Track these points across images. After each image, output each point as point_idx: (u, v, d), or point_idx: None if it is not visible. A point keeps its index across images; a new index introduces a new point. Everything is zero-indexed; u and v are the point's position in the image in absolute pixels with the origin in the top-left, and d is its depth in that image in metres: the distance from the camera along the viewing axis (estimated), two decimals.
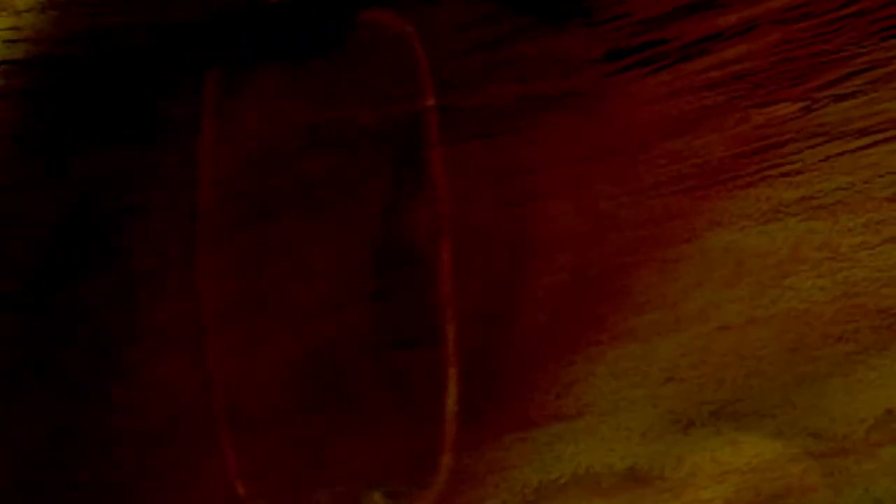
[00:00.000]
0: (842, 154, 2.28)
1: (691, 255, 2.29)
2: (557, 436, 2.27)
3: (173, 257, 2.35)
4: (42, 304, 2.35)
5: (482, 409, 2.26)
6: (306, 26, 2.41)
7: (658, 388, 2.23)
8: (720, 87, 2.34)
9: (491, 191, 2.37)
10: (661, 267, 2.29)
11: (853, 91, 2.29)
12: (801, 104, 2.31)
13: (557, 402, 2.28)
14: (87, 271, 2.37)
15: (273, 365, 2.30)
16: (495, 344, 2.29)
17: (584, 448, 2.25)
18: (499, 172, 2.38)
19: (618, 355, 2.27)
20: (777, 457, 2.14)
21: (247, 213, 2.36)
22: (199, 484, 2.29)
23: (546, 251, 2.32)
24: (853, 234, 2.25)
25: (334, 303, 2.32)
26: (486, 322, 2.30)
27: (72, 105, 2.39)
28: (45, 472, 2.30)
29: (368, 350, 2.29)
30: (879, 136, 2.27)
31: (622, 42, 2.39)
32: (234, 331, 2.32)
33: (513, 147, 2.39)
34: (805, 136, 2.29)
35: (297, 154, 2.38)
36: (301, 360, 2.30)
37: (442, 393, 2.23)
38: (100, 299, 2.36)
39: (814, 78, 2.31)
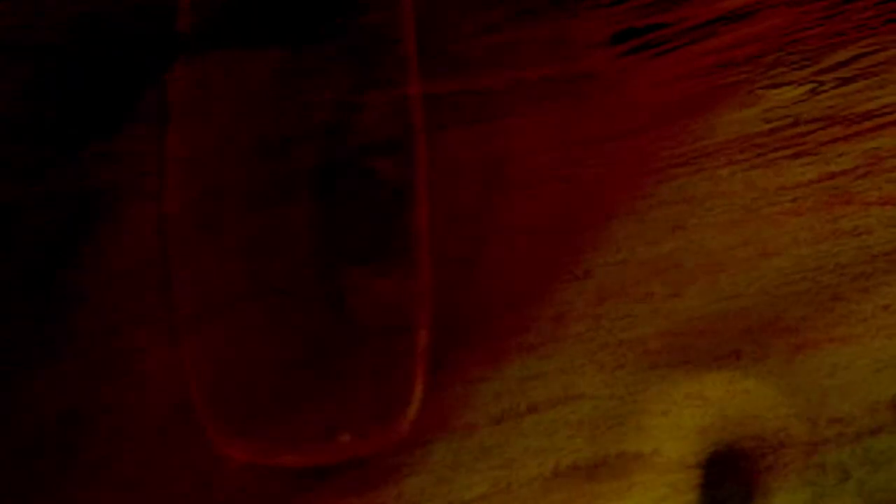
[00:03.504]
0: (847, 137, 2.31)
1: (689, 243, 2.31)
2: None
3: (170, 244, 2.33)
4: (39, 292, 2.33)
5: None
6: (298, 11, 2.39)
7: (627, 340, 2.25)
8: (726, 69, 2.36)
9: (494, 173, 2.38)
10: (655, 255, 2.31)
11: (858, 74, 2.32)
12: (807, 87, 2.33)
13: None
14: (84, 258, 2.35)
15: (262, 350, 2.30)
16: (464, 327, 2.29)
17: (544, 382, 2.26)
18: (503, 155, 2.38)
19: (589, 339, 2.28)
20: (753, 391, 2.17)
21: (235, 203, 2.34)
22: (192, 466, 2.29)
23: (534, 237, 2.33)
24: (858, 217, 2.28)
25: (321, 291, 2.32)
26: (457, 312, 2.30)
27: (61, 94, 2.35)
28: (45, 458, 2.29)
29: (355, 334, 2.29)
30: (884, 119, 2.30)
31: (628, 25, 2.39)
32: (227, 318, 2.31)
33: (518, 129, 2.39)
34: (811, 118, 2.32)
35: (286, 141, 2.36)
36: (288, 344, 2.30)
37: (412, 375, 2.24)
38: (97, 286, 2.34)
39: (820, 61, 2.33)
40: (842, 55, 2.33)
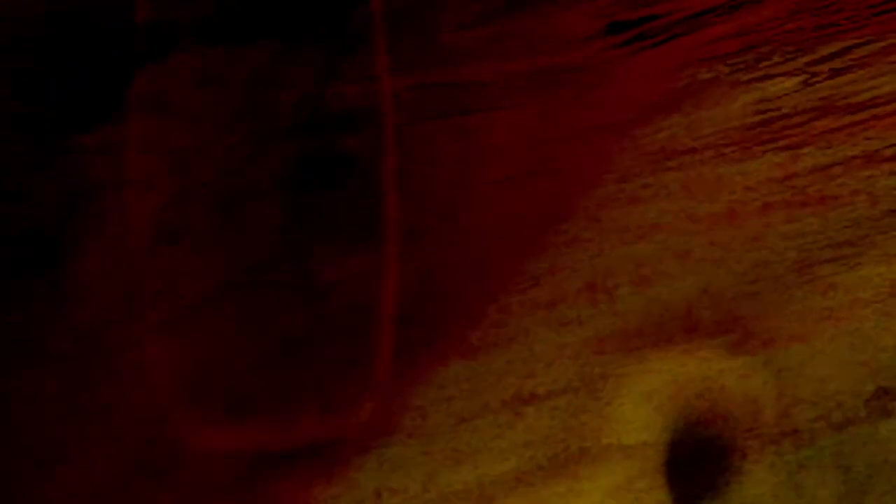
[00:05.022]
0: (840, 128, 2.29)
1: (673, 237, 2.31)
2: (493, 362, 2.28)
3: (166, 236, 2.35)
4: (33, 284, 2.35)
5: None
6: (293, 4, 2.40)
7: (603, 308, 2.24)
8: (719, 61, 2.35)
9: (478, 166, 2.38)
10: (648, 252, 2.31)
11: (851, 65, 2.31)
12: (800, 78, 2.32)
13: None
14: (71, 254, 2.37)
15: (236, 345, 2.32)
16: (428, 323, 2.30)
17: (515, 373, 2.26)
18: (488, 148, 2.38)
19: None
20: (727, 369, 2.16)
21: (216, 198, 2.35)
22: (189, 463, 2.31)
23: (513, 231, 2.33)
24: (850, 210, 2.26)
25: (294, 285, 2.33)
26: (423, 307, 2.30)
27: (47, 87, 2.37)
28: (33, 451, 2.31)
29: (325, 326, 2.29)
30: (878, 111, 2.29)
31: (621, 16, 2.39)
32: (203, 314, 2.32)
33: (505, 122, 2.39)
34: (804, 109, 2.31)
35: (269, 136, 2.37)
36: (262, 338, 2.32)
37: (375, 364, 2.24)
38: (92, 278, 2.36)
39: (812, 52, 2.32)
40: (835, 46, 2.31)
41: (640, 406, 2.15)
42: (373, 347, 2.21)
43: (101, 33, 2.33)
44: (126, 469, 2.30)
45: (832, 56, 2.31)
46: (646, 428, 2.13)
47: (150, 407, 2.30)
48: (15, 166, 2.32)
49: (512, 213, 2.34)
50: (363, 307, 2.25)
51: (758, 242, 2.27)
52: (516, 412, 2.21)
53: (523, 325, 2.26)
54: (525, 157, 2.37)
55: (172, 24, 2.33)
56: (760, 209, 2.29)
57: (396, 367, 2.21)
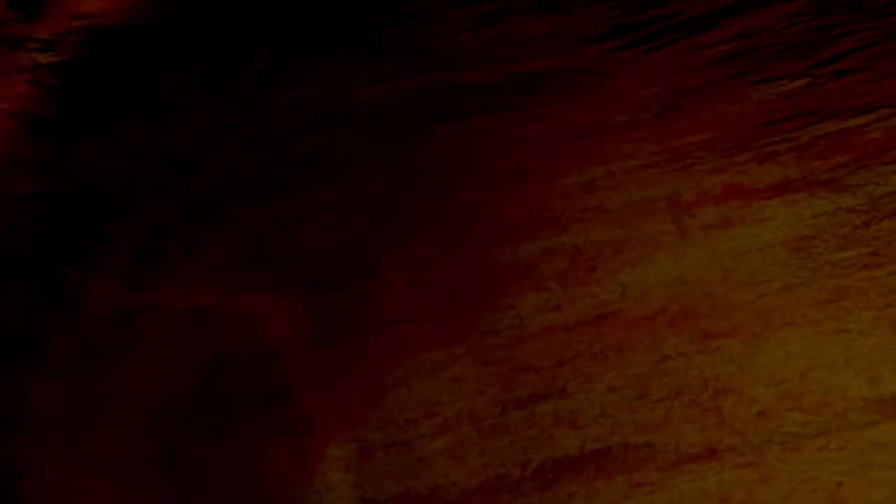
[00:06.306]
0: (844, 130, 2.29)
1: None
2: None
3: (176, 238, 2.34)
4: (33, 283, 2.33)
5: None
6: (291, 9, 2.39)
7: None
8: (722, 63, 2.35)
9: (483, 167, 2.38)
10: (645, 251, 2.31)
11: (854, 67, 2.30)
12: (803, 80, 2.32)
13: None
14: (76, 254, 2.36)
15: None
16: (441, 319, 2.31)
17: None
18: (493, 150, 2.38)
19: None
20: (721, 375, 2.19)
21: (257, 191, 2.35)
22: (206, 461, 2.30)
23: (518, 231, 2.33)
24: (856, 212, 2.26)
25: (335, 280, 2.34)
26: (437, 302, 2.30)
27: (76, 85, 2.36)
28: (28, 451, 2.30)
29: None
30: (881, 113, 2.29)
31: (623, 19, 2.38)
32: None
33: (509, 124, 2.39)
34: (807, 112, 2.31)
35: (317, 129, 2.37)
36: None
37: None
38: (93, 277, 2.35)
39: (816, 54, 2.32)
40: (839, 48, 2.31)
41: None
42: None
43: (101, 33, 2.32)
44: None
45: (836, 58, 2.31)
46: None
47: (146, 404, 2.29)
48: (15, 166, 2.30)
49: (511, 213, 2.33)
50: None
51: (760, 245, 2.27)
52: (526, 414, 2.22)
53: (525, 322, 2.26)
54: (525, 159, 2.37)
55: (173, 25, 2.32)
56: (759, 212, 2.29)
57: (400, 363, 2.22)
